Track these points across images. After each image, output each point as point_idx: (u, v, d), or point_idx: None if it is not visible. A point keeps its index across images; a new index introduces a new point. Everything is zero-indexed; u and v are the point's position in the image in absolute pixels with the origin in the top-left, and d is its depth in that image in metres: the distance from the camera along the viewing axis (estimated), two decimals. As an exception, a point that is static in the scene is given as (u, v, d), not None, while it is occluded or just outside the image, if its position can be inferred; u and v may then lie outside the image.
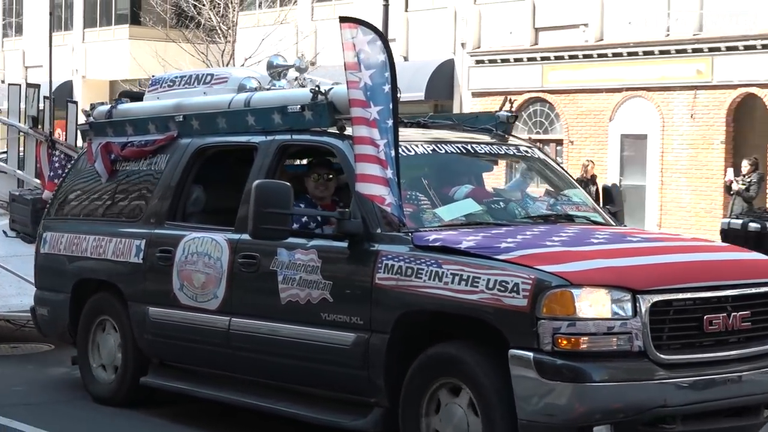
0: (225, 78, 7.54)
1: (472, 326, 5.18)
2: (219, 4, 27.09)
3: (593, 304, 4.84)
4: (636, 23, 23.46)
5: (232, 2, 27.11)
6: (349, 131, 6.12)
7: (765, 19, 20.77)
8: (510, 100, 7.20)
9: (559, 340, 4.77)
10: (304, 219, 6.23)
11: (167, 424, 7.13)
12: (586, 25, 24.68)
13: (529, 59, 25.97)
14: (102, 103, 8.42)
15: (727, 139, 21.93)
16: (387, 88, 5.56)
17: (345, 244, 5.76)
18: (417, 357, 5.34)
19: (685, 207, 22.70)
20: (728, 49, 21.60)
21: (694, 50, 22.15)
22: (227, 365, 6.57)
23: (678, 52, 22.31)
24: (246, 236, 6.34)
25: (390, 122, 5.52)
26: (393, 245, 5.56)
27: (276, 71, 7.35)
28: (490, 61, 26.71)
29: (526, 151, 7.07)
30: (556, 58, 25.39)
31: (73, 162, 8.54)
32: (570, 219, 6.46)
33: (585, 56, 24.74)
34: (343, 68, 5.64)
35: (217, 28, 27.03)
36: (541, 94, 25.84)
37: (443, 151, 6.45)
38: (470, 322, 5.15)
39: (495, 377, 4.95)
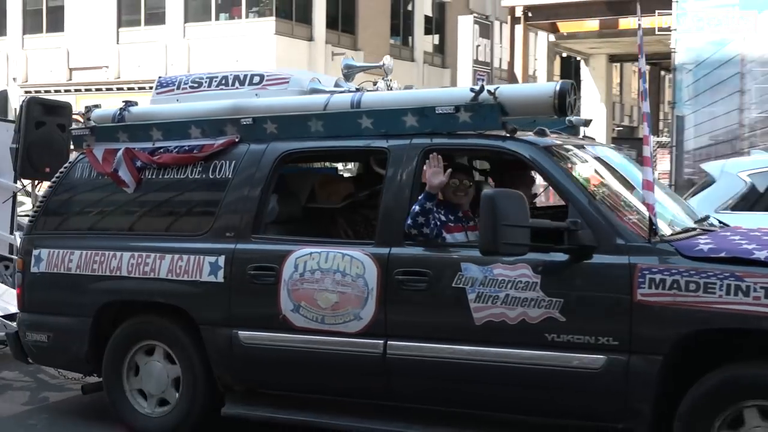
0: (285, 79, 5.38)
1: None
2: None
3: None
4: (143, 66, 25.10)
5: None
6: (520, 134, 4.45)
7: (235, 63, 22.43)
8: None
9: None
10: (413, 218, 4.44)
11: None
12: (107, 66, 26.99)
13: (66, 91, 26.22)
14: (96, 106, 5.84)
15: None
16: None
17: (566, 257, 4.10)
18: (699, 379, 3.84)
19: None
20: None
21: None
22: (380, 390, 4.58)
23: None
24: (400, 250, 4.47)
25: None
26: (653, 257, 3.97)
27: (352, 71, 5.38)
28: (36, 92, 25.56)
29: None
30: (86, 90, 26.15)
31: (62, 171, 5.85)
32: None
33: (107, 89, 26.00)
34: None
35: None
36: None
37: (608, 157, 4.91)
38: None
39: None
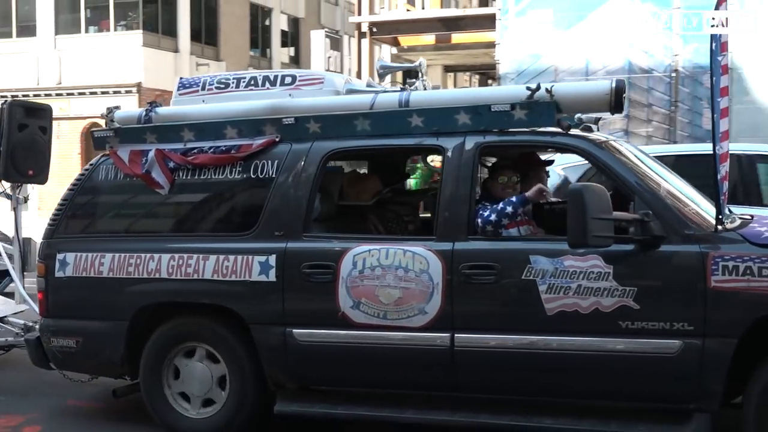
0: (319, 79, 5.10)
1: None
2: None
3: None
4: (15, 76, 23.56)
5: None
6: (574, 131, 4.36)
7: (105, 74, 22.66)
8: None
9: None
10: (487, 215, 4.34)
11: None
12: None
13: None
14: (117, 107, 5.40)
15: (81, 151, 22.58)
16: None
17: (633, 247, 4.02)
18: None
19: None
20: (80, 94, 22.99)
21: (57, 94, 22.88)
22: (445, 382, 4.39)
23: (47, 95, 22.28)
24: (464, 245, 4.29)
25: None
26: (725, 246, 3.93)
27: (387, 71, 5.15)
28: None
29: None
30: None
31: (83, 174, 5.38)
32: None
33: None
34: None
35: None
36: None
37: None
38: None
39: None
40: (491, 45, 17.74)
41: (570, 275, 4.07)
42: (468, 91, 5.03)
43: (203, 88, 5.33)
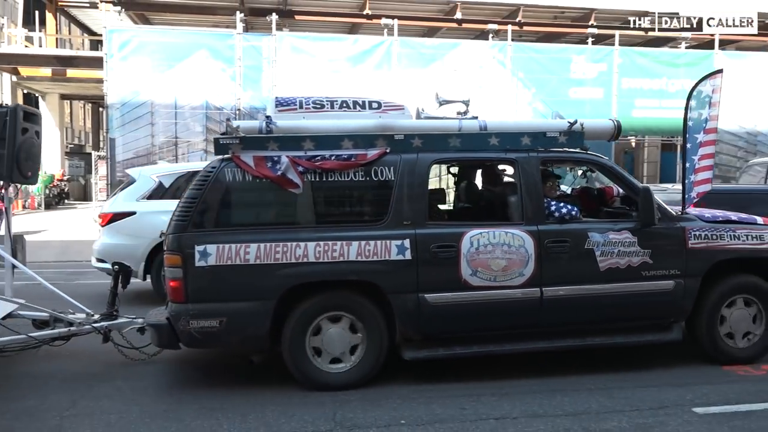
0: (400, 107, 6.82)
1: (756, 265, 6.93)
2: None
3: None
4: None
5: None
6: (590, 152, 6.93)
7: None
8: None
9: None
10: (570, 208, 6.72)
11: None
12: None
13: None
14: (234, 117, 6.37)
15: None
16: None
17: (644, 226, 6.66)
18: (717, 285, 6.80)
19: None
20: None
21: None
22: (537, 322, 6.51)
23: None
24: (547, 226, 6.54)
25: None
26: (692, 223, 6.80)
27: (445, 103, 7.04)
28: None
29: None
30: None
31: (206, 176, 6.17)
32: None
33: None
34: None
35: None
36: None
37: None
38: (757, 261, 6.88)
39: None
40: (100, 80, 21.72)
41: (613, 244, 6.56)
42: (526, 121, 7.15)
43: (301, 107, 6.63)
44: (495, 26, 22.32)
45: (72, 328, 6.77)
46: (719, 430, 5.36)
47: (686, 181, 7.01)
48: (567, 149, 6.83)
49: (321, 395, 6.09)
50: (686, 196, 7.03)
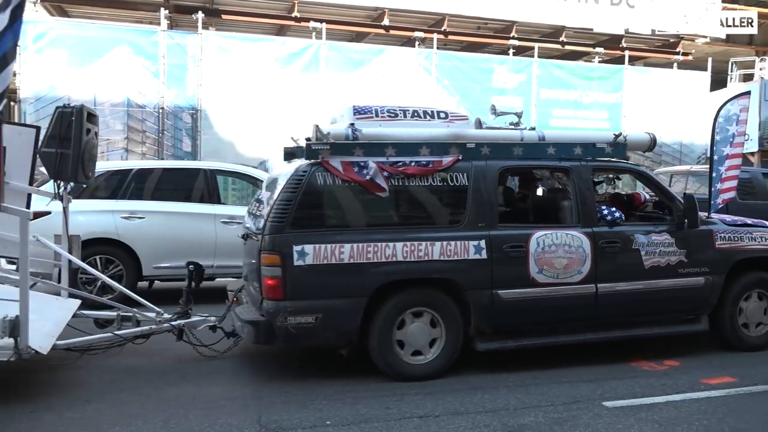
0: (464, 117, 7.36)
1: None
2: None
3: None
4: None
5: None
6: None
7: None
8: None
9: None
10: (617, 213, 7.45)
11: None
12: None
13: None
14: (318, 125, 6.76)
15: None
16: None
17: (675, 228, 7.48)
18: (737, 281, 7.70)
19: None
20: None
21: None
22: (591, 315, 7.17)
23: None
24: (600, 229, 7.24)
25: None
26: (718, 226, 7.67)
27: (500, 114, 7.62)
28: None
29: None
30: None
31: (298, 180, 6.47)
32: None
33: None
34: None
35: None
36: None
37: None
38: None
39: None
40: (13, 73, 19.73)
41: (655, 244, 7.32)
42: (578, 133, 7.70)
43: (377, 115, 7.04)
44: (421, 34, 23.09)
45: (153, 326, 6.91)
46: (626, 422, 5.68)
47: (712, 189, 7.90)
48: (611, 159, 7.56)
49: (245, 398, 6.17)
50: (712, 202, 7.91)
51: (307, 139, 6.75)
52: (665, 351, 7.70)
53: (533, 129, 7.62)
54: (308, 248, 6.33)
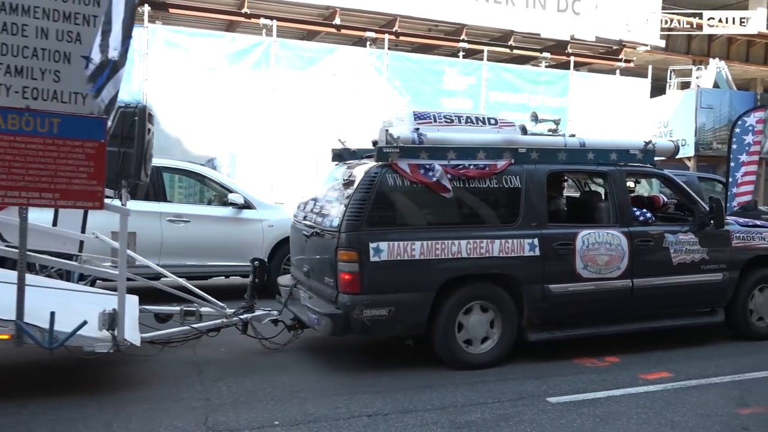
0: (512, 123, 7.87)
1: None
2: None
3: None
4: None
5: None
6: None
7: None
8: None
9: None
10: (649, 214, 8.06)
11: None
12: None
13: None
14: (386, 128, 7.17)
15: None
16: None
17: (697, 228, 8.15)
18: (749, 277, 8.41)
19: None
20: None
21: None
22: (626, 308, 7.78)
23: None
24: (634, 228, 7.85)
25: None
26: (733, 227, 8.37)
27: (538, 120, 8.11)
28: None
29: None
30: None
31: (371, 180, 6.81)
32: None
33: None
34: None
35: None
36: None
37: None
38: None
39: None
40: None
41: (682, 243, 7.97)
42: (612, 140, 8.22)
43: (435, 121, 7.47)
44: (372, 34, 23.46)
45: (224, 320, 7.12)
46: (569, 416, 5.87)
47: (728, 193, 8.61)
48: (641, 164, 8.18)
49: (192, 399, 6.12)
50: (728, 205, 8.62)
51: (374, 143, 7.08)
52: (606, 348, 7.94)
53: (573, 135, 8.15)
54: (383, 245, 6.68)
